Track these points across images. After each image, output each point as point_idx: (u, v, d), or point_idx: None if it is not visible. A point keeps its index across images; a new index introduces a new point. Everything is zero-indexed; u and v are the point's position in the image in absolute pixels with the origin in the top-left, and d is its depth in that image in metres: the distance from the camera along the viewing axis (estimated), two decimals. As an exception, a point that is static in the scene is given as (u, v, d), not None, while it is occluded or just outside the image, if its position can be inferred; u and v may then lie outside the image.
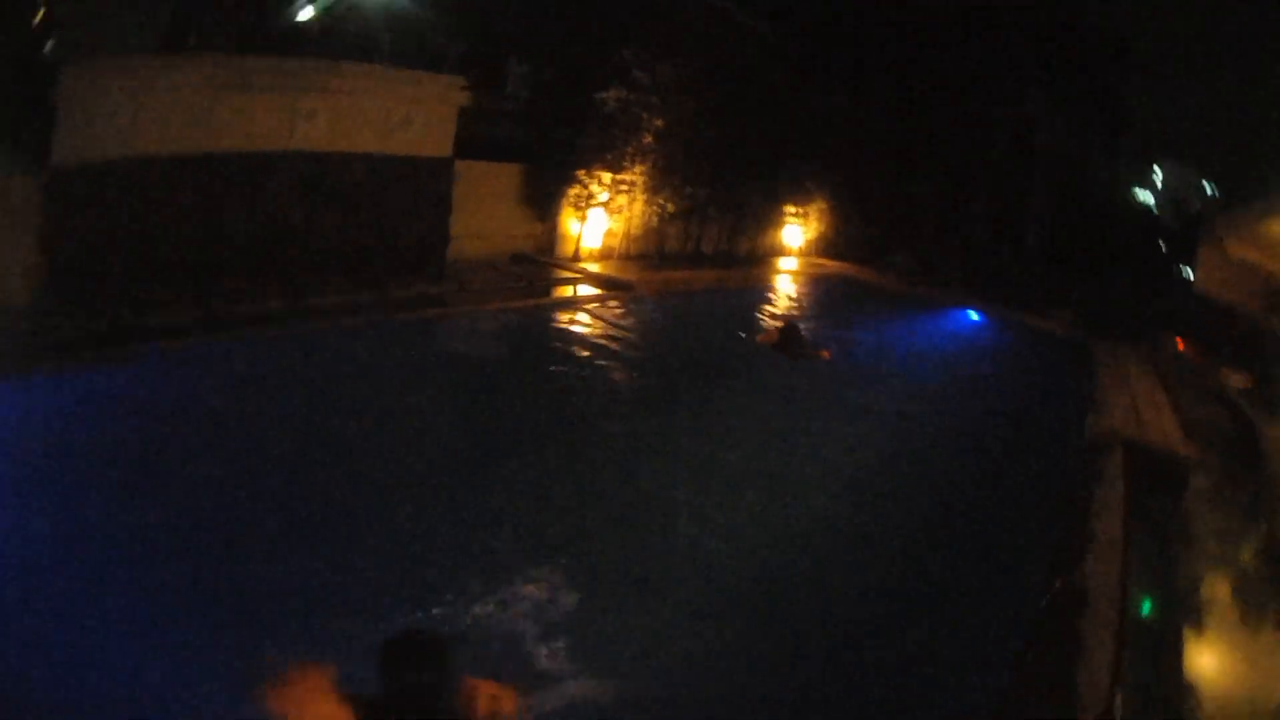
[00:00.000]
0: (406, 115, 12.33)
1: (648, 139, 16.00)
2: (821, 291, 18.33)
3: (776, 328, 12.32)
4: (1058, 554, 7.16)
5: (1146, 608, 6.89)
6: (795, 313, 15.72)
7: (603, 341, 11.62)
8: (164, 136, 9.78)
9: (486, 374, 10.03)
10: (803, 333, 12.05)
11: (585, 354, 11.10)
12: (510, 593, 5.62)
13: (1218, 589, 7.32)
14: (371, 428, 7.91)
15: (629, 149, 15.70)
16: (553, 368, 10.51)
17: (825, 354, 12.07)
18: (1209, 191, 32.92)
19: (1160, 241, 29.71)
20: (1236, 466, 10.82)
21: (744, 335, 13.08)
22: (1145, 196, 35.31)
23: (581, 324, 12.25)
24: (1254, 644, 6.70)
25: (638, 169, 16.01)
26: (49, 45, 12.18)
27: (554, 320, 12.22)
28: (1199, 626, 6.56)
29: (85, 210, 9.13)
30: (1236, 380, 14.63)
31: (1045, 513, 8.30)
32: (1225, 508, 9.38)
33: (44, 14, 12.81)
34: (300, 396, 8.18)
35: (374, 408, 8.35)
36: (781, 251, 20.35)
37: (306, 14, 17.06)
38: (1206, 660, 6.18)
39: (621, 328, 12.30)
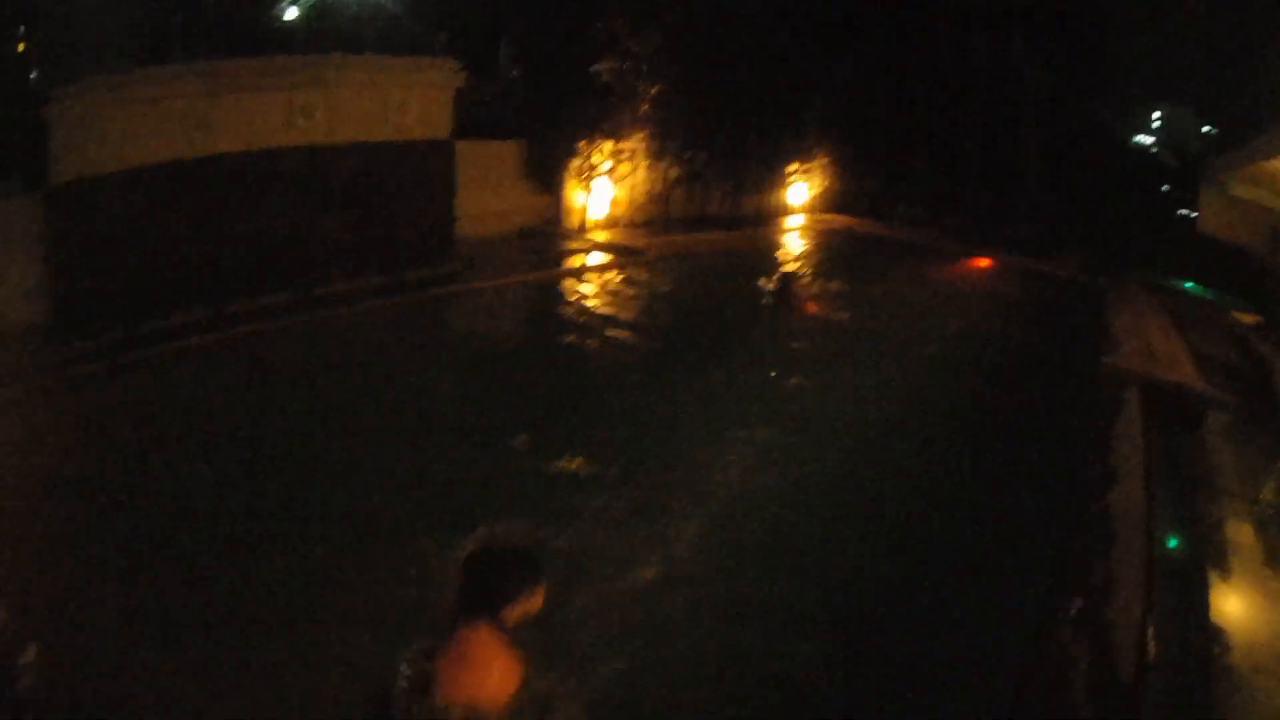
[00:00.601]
0: (402, 101, 12.36)
1: (644, 106, 15.96)
2: (826, 246, 18.22)
3: (772, 283, 12.17)
4: (1083, 488, 7.07)
5: (1173, 543, 6.85)
6: (798, 268, 15.59)
7: (620, 304, 11.75)
8: (159, 145, 9.86)
9: (514, 341, 10.33)
10: (796, 287, 12.04)
11: (604, 317, 11.19)
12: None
13: (1240, 530, 7.11)
14: (414, 399, 8.09)
15: (626, 117, 15.67)
16: (571, 334, 10.63)
17: (823, 309, 12.02)
18: (1207, 132, 32.62)
19: (1161, 183, 29.41)
20: (1253, 403, 10.63)
21: (747, 292, 12.86)
22: (1144, 140, 35.07)
23: (596, 290, 12.33)
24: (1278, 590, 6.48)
25: (637, 136, 16.00)
26: (34, 74, 12.33)
27: (569, 288, 12.32)
28: (1224, 568, 6.37)
29: (88, 226, 9.23)
30: (1246, 319, 14.42)
31: (1067, 453, 8.18)
32: (1243, 445, 9.21)
33: (23, 44, 12.96)
34: (323, 379, 8.35)
35: (403, 383, 8.48)
36: (787, 210, 20.25)
37: (291, 14, 17.16)
38: (1232, 603, 5.97)
39: (636, 290, 12.41)
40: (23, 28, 13.11)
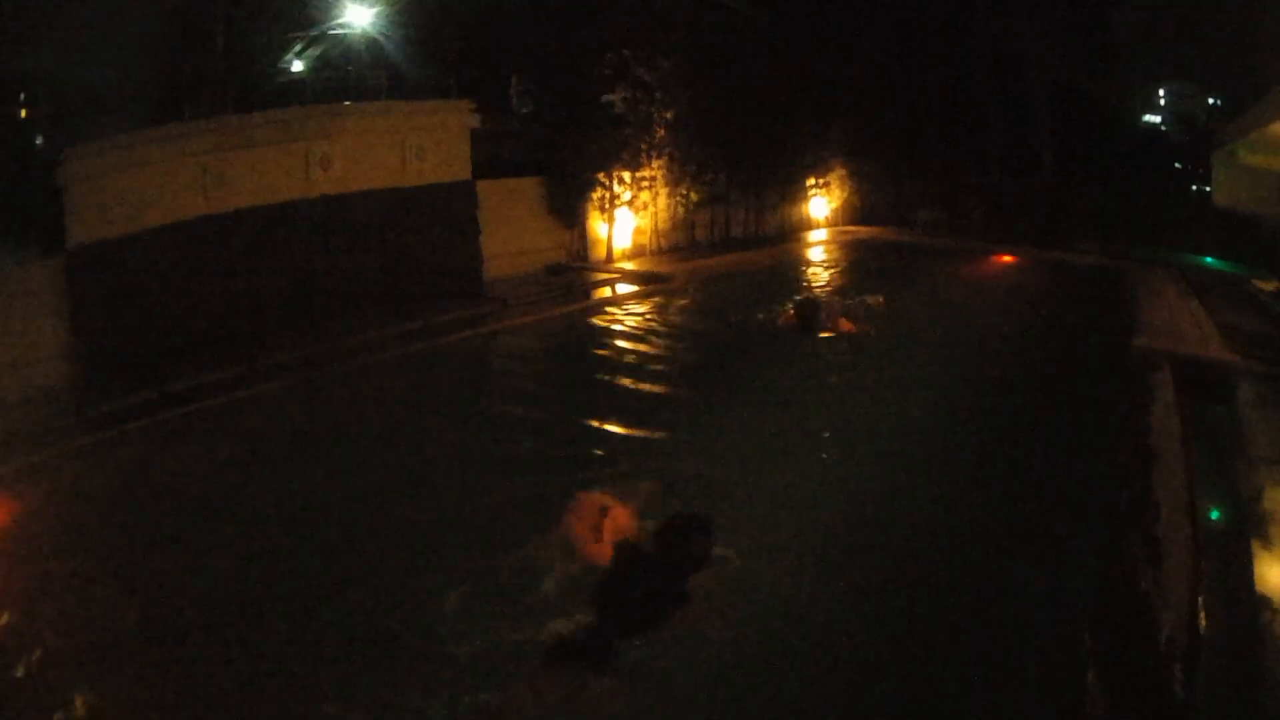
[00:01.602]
0: (420, 145, 12.35)
1: (660, 133, 15.97)
2: (849, 258, 18.14)
3: (793, 307, 11.94)
4: (1124, 466, 7.08)
5: (1215, 515, 6.81)
6: (822, 284, 15.54)
7: (652, 331, 11.64)
8: (176, 203, 9.86)
9: (553, 375, 10.24)
10: (821, 307, 11.69)
11: (637, 347, 11.07)
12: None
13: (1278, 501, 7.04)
14: (460, 441, 8.04)
15: (643, 145, 15.66)
16: (605, 365, 10.48)
17: (848, 326, 11.63)
18: (1214, 106, 32.45)
19: (1173, 160, 29.35)
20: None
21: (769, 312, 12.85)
22: (1152, 118, 34.90)
23: (628, 319, 12.20)
24: None
25: (656, 164, 15.96)
26: (39, 139, 12.27)
27: (601, 320, 12.18)
28: (1265, 538, 6.19)
29: (111, 286, 9.17)
30: (1266, 286, 14.42)
31: (1107, 434, 8.13)
32: (1276, 412, 9.07)
33: (25, 109, 12.93)
34: (356, 429, 8.27)
35: (443, 428, 8.40)
36: (809, 225, 20.17)
37: (298, 66, 17.11)
38: (1276, 573, 5.81)
39: (666, 317, 12.34)
40: (23, 94, 13.17)
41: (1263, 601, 5.38)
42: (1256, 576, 5.71)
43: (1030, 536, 6.30)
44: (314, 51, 16.59)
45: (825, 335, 11.17)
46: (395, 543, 5.96)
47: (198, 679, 4.64)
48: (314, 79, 16.17)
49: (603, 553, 5.10)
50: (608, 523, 5.21)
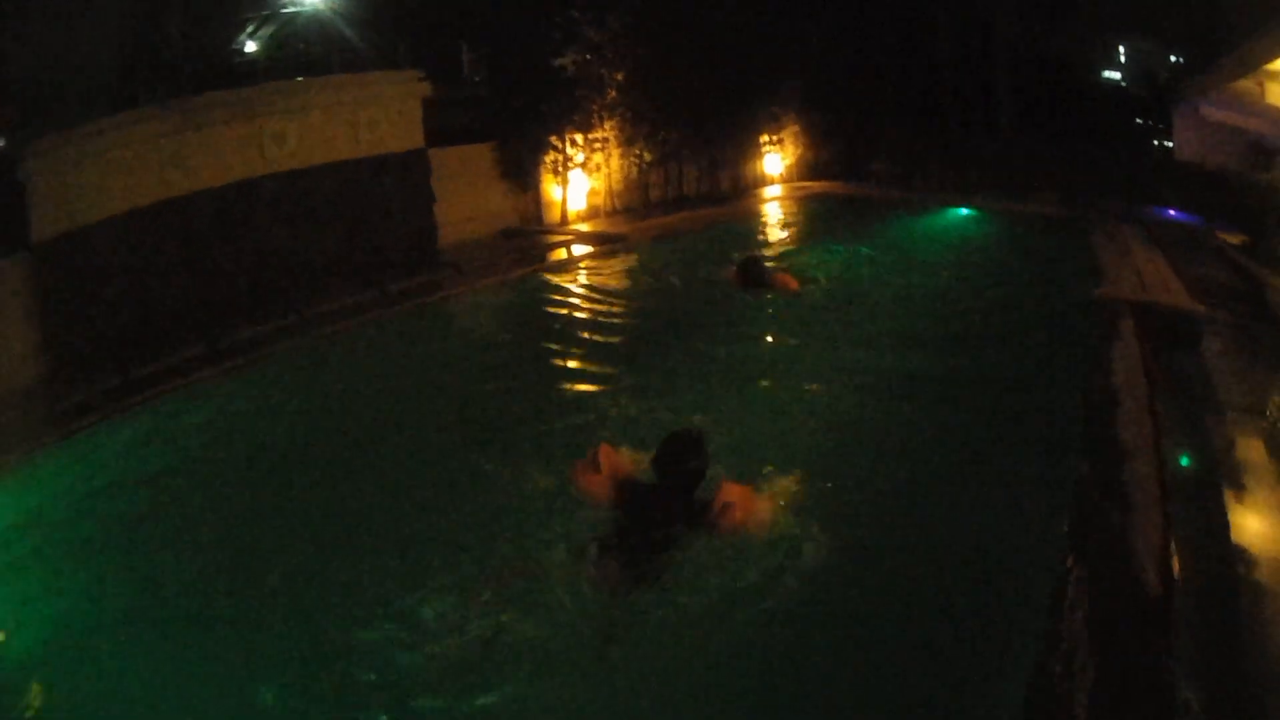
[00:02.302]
0: (372, 117, 12.55)
1: (612, 93, 16.12)
2: (802, 212, 18.31)
3: (735, 266, 11.88)
4: (1088, 412, 7.07)
5: (1184, 461, 6.76)
6: (772, 240, 15.85)
7: (607, 291, 11.95)
8: (138, 189, 10.05)
9: (506, 340, 10.50)
10: (763, 265, 11.76)
11: (593, 306, 11.38)
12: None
13: (1250, 447, 7.00)
14: (422, 410, 8.29)
15: (595, 106, 15.83)
16: (560, 325, 10.80)
17: (792, 283, 11.56)
18: (1176, 63, 32.53)
19: (1134, 115, 29.34)
20: (1249, 321, 10.58)
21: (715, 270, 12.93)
22: (1113, 75, 35.07)
23: (580, 280, 12.53)
24: None
25: (608, 124, 16.13)
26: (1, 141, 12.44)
27: (555, 281, 12.45)
28: (1238, 485, 6.25)
29: (78, 279, 9.38)
30: (1232, 239, 14.51)
31: (1068, 382, 8.14)
32: (1244, 361, 9.16)
33: None
34: (321, 401, 8.57)
35: (407, 395, 8.69)
36: (764, 181, 20.29)
37: (252, 47, 17.34)
38: (1251, 521, 5.85)
39: (621, 276, 12.68)
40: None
41: (1236, 550, 5.37)
42: (1230, 524, 5.69)
43: (996, 483, 6.32)
44: (267, 31, 16.86)
45: (769, 294, 11.19)
46: (365, 526, 6.13)
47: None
48: (268, 58, 16.43)
49: (610, 492, 5.52)
50: (605, 468, 5.57)
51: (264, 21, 16.88)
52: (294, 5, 17.14)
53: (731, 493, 5.34)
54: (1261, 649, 4.44)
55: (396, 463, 7.10)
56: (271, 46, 17.23)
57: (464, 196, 14.09)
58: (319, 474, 6.94)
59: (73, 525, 6.25)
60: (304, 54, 16.68)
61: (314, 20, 17.13)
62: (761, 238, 15.85)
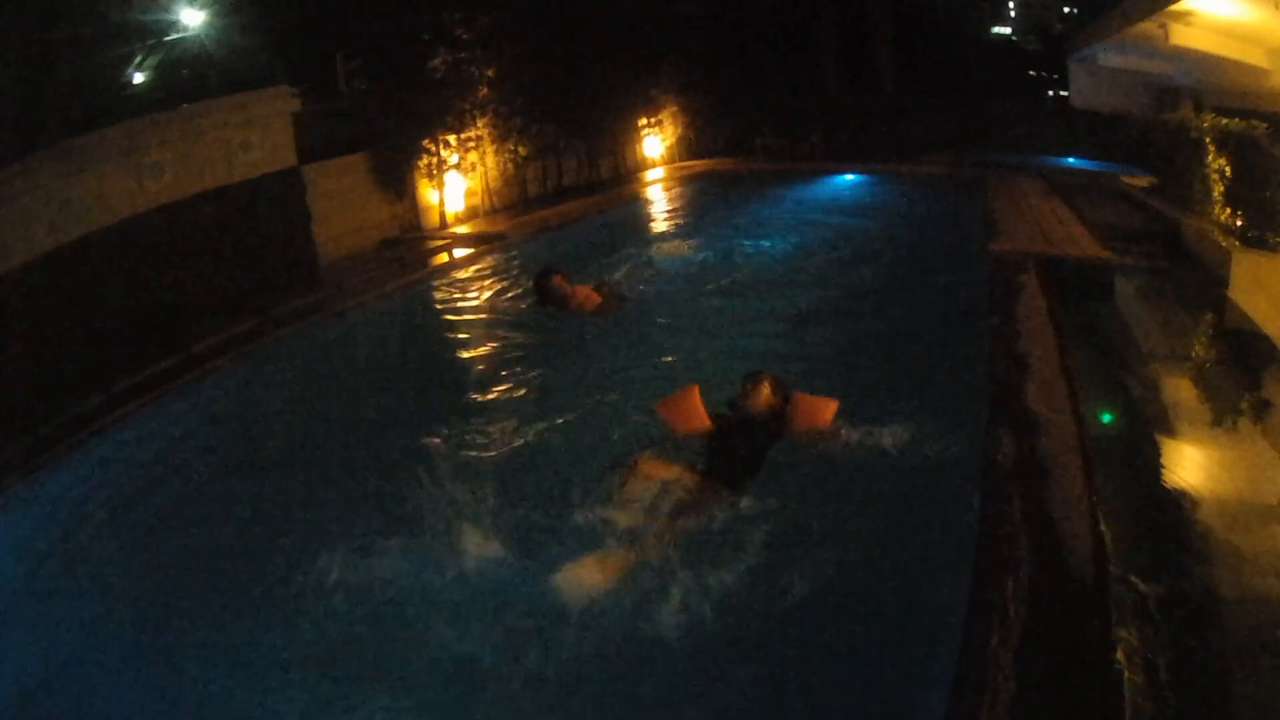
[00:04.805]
0: (244, 139, 12.71)
1: (484, 91, 16.43)
2: (681, 196, 18.58)
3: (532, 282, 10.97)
4: (996, 383, 6.84)
5: (1106, 418, 6.72)
6: (635, 228, 16.19)
7: (485, 294, 12.28)
8: (32, 241, 10.04)
9: (388, 354, 10.78)
10: (554, 282, 10.53)
11: (472, 308, 11.73)
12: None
13: (1180, 391, 7.09)
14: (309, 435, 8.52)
15: (466, 105, 16.12)
16: (441, 332, 11.16)
17: (595, 300, 10.42)
18: (1069, 14, 33.35)
19: (1027, 68, 29.93)
20: (1162, 263, 10.81)
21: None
22: (1003, 30, 36.06)
23: (456, 286, 12.86)
24: (1233, 443, 6.43)
25: (481, 123, 16.46)
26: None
27: (435, 288, 12.78)
28: (1170, 430, 6.32)
29: None
30: (1138, 181, 14.89)
31: (973, 348, 8.01)
32: (1163, 307, 9.29)
33: None
34: (211, 439, 8.67)
35: (291, 421, 8.96)
36: (644, 165, 20.75)
37: (139, 78, 17.79)
38: (1188, 463, 5.89)
39: (500, 276, 12.93)
40: None
41: (1177, 496, 5.39)
42: (1168, 470, 5.72)
43: (908, 463, 6.13)
44: (153, 60, 17.35)
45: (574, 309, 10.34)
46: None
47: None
48: (151, 88, 16.95)
49: (702, 422, 6.54)
50: (697, 402, 6.60)
51: (150, 51, 17.36)
52: (177, 32, 17.62)
53: (804, 403, 6.48)
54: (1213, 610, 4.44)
55: (281, 494, 7.14)
56: (158, 75, 17.66)
57: (343, 210, 14.34)
58: (206, 518, 6.88)
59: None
60: (187, 80, 17.09)
61: (196, 45, 17.62)
62: (632, 226, 16.34)
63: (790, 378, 7.00)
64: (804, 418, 6.46)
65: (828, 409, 6.51)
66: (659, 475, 6.05)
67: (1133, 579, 4.54)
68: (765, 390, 6.52)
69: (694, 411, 6.51)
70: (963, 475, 5.66)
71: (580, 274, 11.49)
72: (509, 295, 12.17)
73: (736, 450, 6.21)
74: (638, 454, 6.32)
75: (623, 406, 7.69)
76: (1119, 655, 3.79)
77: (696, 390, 6.62)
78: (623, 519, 5.72)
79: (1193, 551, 4.84)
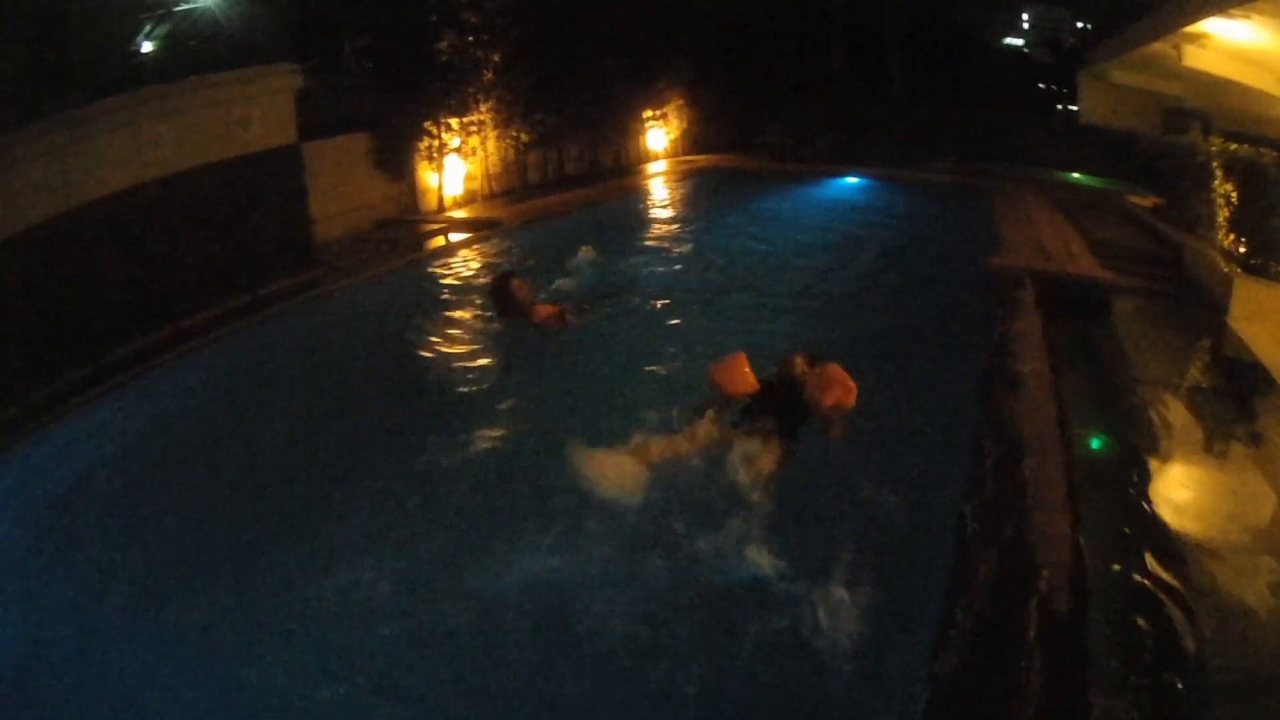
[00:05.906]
0: (245, 115, 12.66)
1: (488, 75, 16.31)
2: (686, 190, 18.43)
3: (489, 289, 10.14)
4: (985, 400, 6.82)
5: (1096, 443, 6.73)
6: (634, 220, 15.99)
7: (479, 281, 12.02)
8: (33, 208, 10.00)
9: (377, 338, 10.62)
10: (517, 287, 9.59)
11: (465, 295, 11.54)
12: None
13: (1173, 413, 6.98)
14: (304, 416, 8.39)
15: (470, 89, 16.00)
16: (431, 317, 10.92)
17: (542, 313, 9.63)
18: (1082, 28, 33.19)
19: (1037, 81, 29.79)
20: (1163, 285, 10.61)
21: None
22: (1015, 41, 35.84)
23: (455, 269, 12.72)
24: (1224, 467, 6.39)
25: (484, 107, 16.34)
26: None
27: (429, 272, 12.61)
28: (1160, 458, 6.24)
29: None
30: (1145, 201, 14.66)
31: (966, 363, 7.99)
32: (1160, 331, 9.14)
33: None
34: (199, 417, 8.61)
35: (284, 401, 8.82)
36: (647, 157, 20.65)
37: (147, 47, 17.65)
38: (1177, 490, 5.86)
39: (495, 264, 12.76)
40: None
41: (1161, 522, 5.28)
42: (1157, 494, 5.61)
43: (891, 486, 6.00)
44: (162, 30, 17.24)
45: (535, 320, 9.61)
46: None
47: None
48: (159, 58, 16.82)
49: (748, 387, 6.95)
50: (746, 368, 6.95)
51: (159, 21, 17.22)
52: (189, 3, 17.49)
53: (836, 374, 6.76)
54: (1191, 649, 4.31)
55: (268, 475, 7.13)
56: (166, 46, 17.52)
57: (341, 189, 14.24)
58: (201, 499, 6.80)
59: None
60: (195, 52, 16.96)
61: (207, 17, 17.49)
62: (631, 219, 16.16)
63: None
64: (833, 392, 6.71)
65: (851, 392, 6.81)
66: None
67: (1112, 606, 4.46)
68: (800, 361, 7.08)
69: (743, 375, 6.99)
70: (947, 496, 5.60)
71: (573, 270, 11.75)
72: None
73: (783, 408, 6.82)
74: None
75: (622, 390, 8.06)
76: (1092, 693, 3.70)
77: (744, 356, 7.06)
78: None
79: (1176, 580, 4.74)
